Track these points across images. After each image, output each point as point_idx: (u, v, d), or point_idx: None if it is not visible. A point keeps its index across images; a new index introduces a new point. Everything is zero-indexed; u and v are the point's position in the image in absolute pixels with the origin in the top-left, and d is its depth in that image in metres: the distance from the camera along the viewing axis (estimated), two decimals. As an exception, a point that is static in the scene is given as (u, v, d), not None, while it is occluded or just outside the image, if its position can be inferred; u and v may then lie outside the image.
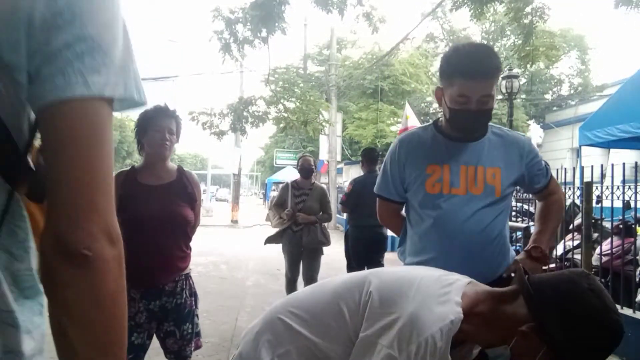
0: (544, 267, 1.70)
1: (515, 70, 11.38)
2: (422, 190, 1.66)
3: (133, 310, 2.03)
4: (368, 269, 5.14)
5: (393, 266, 1.44)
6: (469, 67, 1.51)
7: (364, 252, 5.06)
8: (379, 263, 5.02)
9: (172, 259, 2.11)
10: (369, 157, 5.21)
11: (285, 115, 9.65)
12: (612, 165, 3.78)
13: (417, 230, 1.72)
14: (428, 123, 1.81)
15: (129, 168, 2.25)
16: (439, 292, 1.09)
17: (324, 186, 5.30)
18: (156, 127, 2.10)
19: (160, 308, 2.09)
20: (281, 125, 9.92)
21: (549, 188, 1.78)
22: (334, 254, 8.96)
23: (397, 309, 1.06)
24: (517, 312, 1.06)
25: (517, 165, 1.68)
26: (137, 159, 54.96)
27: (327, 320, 1.13)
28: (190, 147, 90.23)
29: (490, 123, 1.68)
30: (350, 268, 5.15)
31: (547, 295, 1.03)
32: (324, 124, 11.06)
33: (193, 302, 2.21)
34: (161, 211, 2.07)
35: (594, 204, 4.00)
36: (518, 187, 1.91)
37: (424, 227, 1.67)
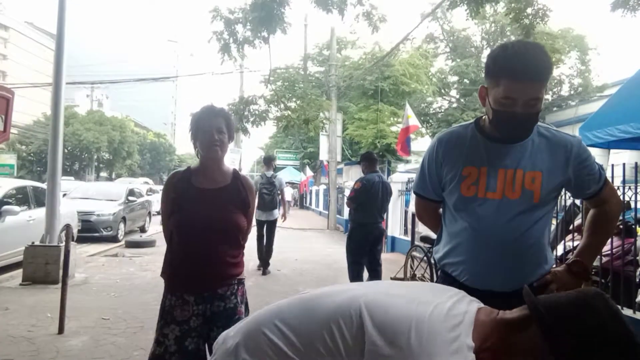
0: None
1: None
2: (457, 191, 1.60)
3: (187, 313, 1.99)
4: (368, 263, 5.24)
5: (389, 281, 1.31)
6: (517, 68, 1.40)
7: (368, 248, 5.27)
8: (377, 256, 5.31)
9: (223, 265, 2.05)
10: (371, 158, 5.45)
11: (287, 113, 9.65)
12: (612, 165, 3.78)
13: (450, 230, 1.68)
14: (470, 121, 1.70)
15: (184, 168, 2.18)
16: (450, 337, 1.01)
17: None
18: (204, 128, 2.04)
19: (212, 313, 2.03)
20: (282, 124, 9.90)
21: (601, 195, 1.63)
22: (334, 254, 8.97)
23: (403, 352, 0.99)
24: (531, 342, 1.01)
25: (562, 169, 1.56)
26: (137, 159, 54.19)
27: (316, 346, 1.06)
28: (190, 148, 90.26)
29: (538, 123, 1.57)
30: (354, 265, 5.21)
31: (565, 326, 0.98)
32: (324, 121, 11.07)
33: (243, 310, 2.12)
34: (212, 216, 2.01)
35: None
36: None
37: (457, 228, 1.63)
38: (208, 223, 2.00)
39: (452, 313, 1.07)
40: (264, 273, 6.69)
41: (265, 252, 6.78)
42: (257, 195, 5.60)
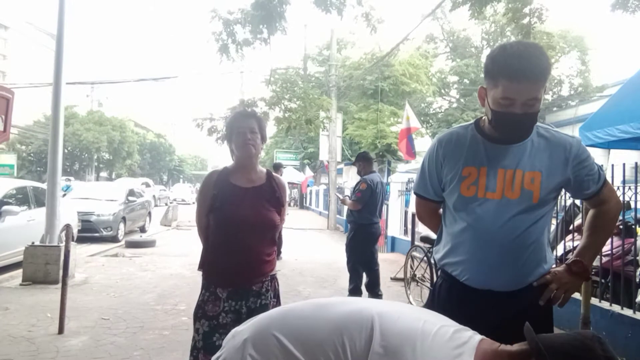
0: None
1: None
2: (457, 191, 1.62)
3: (217, 309, 2.05)
4: (368, 263, 5.24)
5: (395, 301, 1.36)
6: (515, 68, 1.41)
7: (370, 247, 5.31)
8: (376, 256, 5.36)
9: (260, 262, 2.13)
10: (368, 158, 5.50)
11: (288, 115, 9.65)
12: (612, 165, 3.78)
13: (450, 230, 1.68)
14: (469, 122, 1.71)
15: (221, 168, 2.27)
16: (452, 354, 1.05)
17: None
18: (238, 129, 2.16)
19: (247, 309, 2.08)
20: (283, 125, 9.90)
21: (601, 195, 1.63)
22: (334, 254, 8.97)
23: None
24: None
25: (562, 169, 1.57)
26: (137, 160, 54.00)
27: (325, 351, 1.09)
28: (190, 148, 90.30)
29: (537, 124, 1.59)
30: (357, 265, 5.24)
31: None
32: (325, 120, 11.07)
33: (276, 304, 2.21)
34: (252, 214, 2.10)
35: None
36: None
37: (457, 228, 1.64)
38: (247, 221, 2.09)
39: (456, 335, 1.11)
40: (278, 257, 7.89)
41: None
42: None
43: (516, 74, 1.42)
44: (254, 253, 2.11)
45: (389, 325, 1.09)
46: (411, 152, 9.45)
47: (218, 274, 2.11)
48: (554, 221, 4.17)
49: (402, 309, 1.21)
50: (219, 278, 2.10)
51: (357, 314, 1.14)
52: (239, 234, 2.08)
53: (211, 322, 2.04)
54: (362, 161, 5.39)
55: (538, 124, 1.60)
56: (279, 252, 8.36)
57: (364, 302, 1.21)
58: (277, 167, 8.92)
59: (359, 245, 5.21)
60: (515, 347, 1.13)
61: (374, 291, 5.19)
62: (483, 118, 1.66)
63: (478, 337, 1.16)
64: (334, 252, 9.41)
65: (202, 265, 2.19)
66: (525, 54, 1.43)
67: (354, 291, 5.19)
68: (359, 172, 5.42)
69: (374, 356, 1.04)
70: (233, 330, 1.24)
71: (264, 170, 2.30)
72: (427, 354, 1.03)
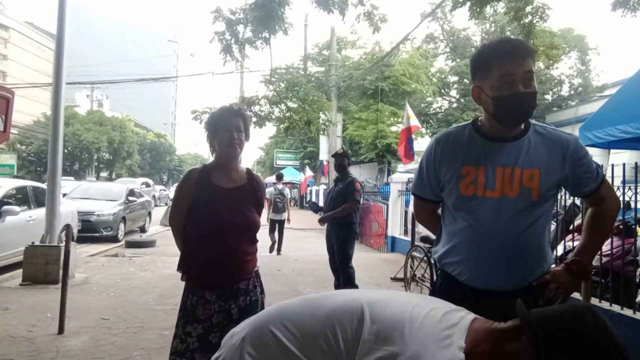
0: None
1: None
2: (456, 191, 1.61)
3: (209, 312, 2.03)
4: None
5: (386, 290, 1.39)
6: (505, 48, 1.52)
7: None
8: None
9: (244, 262, 2.11)
10: (349, 160, 5.67)
11: (289, 115, 9.68)
12: (612, 165, 3.78)
13: (449, 229, 1.68)
14: (467, 122, 1.72)
15: (201, 166, 2.22)
16: (441, 335, 1.05)
17: None
18: (224, 127, 2.09)
19: (237, 308, 2.07)
20: (284, 125, 9.93)
21: (599, 193, 1.63)
22: (334, 254, 8.97)
23: (396, 344, 1.04)
24: (521, 351, 1.05)
25: (560, 166, 1.57)
26: (137, 159, 53.82)
27: (319, 343, 1.11)
28: (190, 148, 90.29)
29: (533, 122, 1.61)
30: (351, 262, 5.20)
31: (553, 336, 1.02)
32: (327, 123, 11.09)
33: (264, 299, 2.22)
34: (235, 215, 2.07)
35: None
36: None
37: (457, 227, 1.63)
38: (229, 222, 2.05)
39: (447, 317, 1.12)
40: (279, 253, 9.27)
41: (278, 241, 9.44)
42: (272, 204, 9.29)
43: (508, 51, 1.51)
44: (238, 253, 2.08)
45: (379, 312, 1.11)
46: (409, 154, 9.38)
47: (204, 277, 2.07)
48: (553, 221, 4.17)
49: (393, 296, 1.23)
50: (205, 281, 2.07)
51: (348, 304, 1.16)
52: (221, 235, 2.04)
53: (204, 324, 2.02)
54: (347, 161, 5.42)
55: (535, 122, 1.61)
56: (279, 249, 9.38)
57: (355, 293, 1.24)
58: (279, 177, 10.14)
59: (350, 243, 5.22)
60: (507, 324, 1.13)
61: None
62: (480, 118, 1.67)
63: (470, 316, 1.15)
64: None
65: (184, 267, 2.14)
66: (509, 39, 1.61)
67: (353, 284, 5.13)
68: (341, 170, 5.38)
69: (364, 344, 1.06)
70: (232, 330, 1.26)
71: (245, 169, 2.25)
72: (415, 337, 1.03)
